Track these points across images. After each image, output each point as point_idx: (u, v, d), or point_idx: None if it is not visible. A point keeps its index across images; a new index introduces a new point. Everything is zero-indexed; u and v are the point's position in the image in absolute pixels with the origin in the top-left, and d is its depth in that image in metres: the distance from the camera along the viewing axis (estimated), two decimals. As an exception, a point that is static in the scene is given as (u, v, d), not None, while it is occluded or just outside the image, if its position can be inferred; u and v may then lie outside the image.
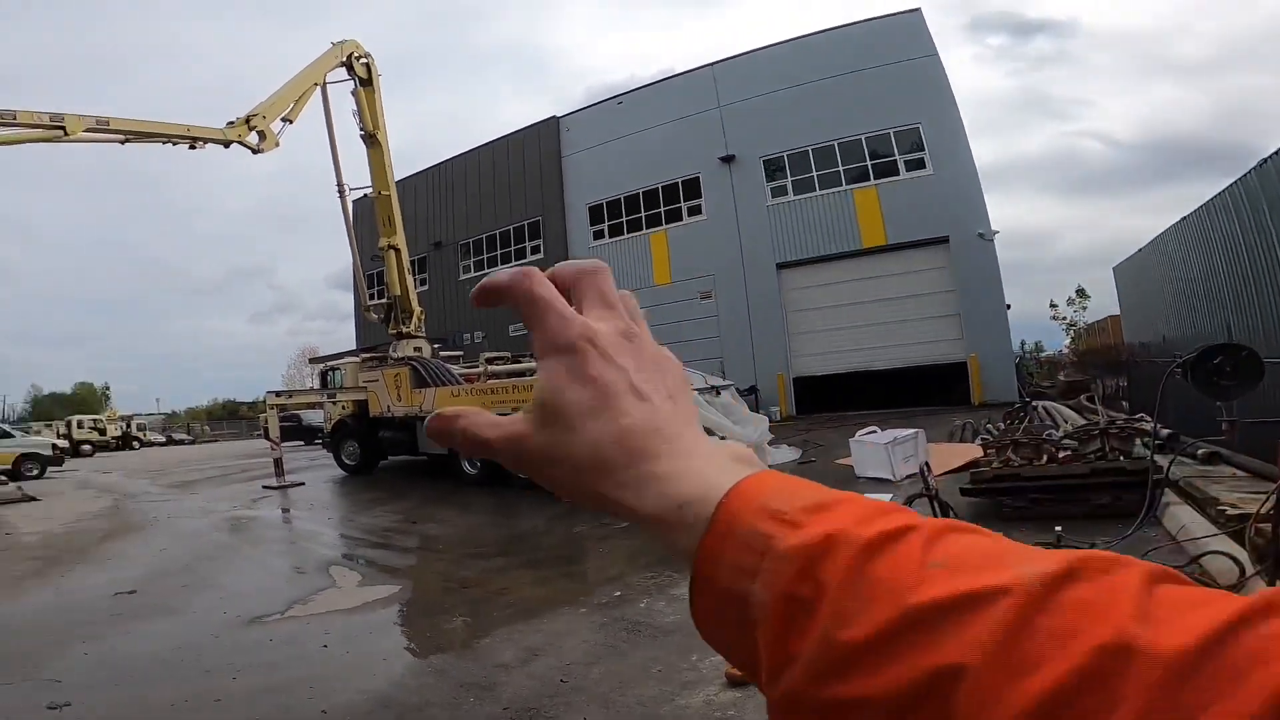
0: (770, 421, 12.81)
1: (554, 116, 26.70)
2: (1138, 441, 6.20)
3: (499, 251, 27.66)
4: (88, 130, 9.91)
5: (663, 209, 23.90)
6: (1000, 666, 0.26)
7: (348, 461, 14.48)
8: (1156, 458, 5.80)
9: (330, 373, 16.08)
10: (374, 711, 3.40)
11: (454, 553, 7.26)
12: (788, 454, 11.46)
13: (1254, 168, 9.18)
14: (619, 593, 5.21)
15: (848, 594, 0.30)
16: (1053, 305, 50.21)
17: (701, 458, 0.37)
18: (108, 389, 79.41)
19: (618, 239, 24.78)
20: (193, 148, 11.21)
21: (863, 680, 0.28)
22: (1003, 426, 10.70)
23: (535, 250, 26.55)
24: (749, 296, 21.94)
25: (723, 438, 9.41)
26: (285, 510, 10.85)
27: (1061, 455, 6.39)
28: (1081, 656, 0.25)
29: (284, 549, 8.16)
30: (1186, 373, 3.54)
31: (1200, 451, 6.85)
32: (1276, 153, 8.53)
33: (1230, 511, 4.93)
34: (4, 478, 14.48)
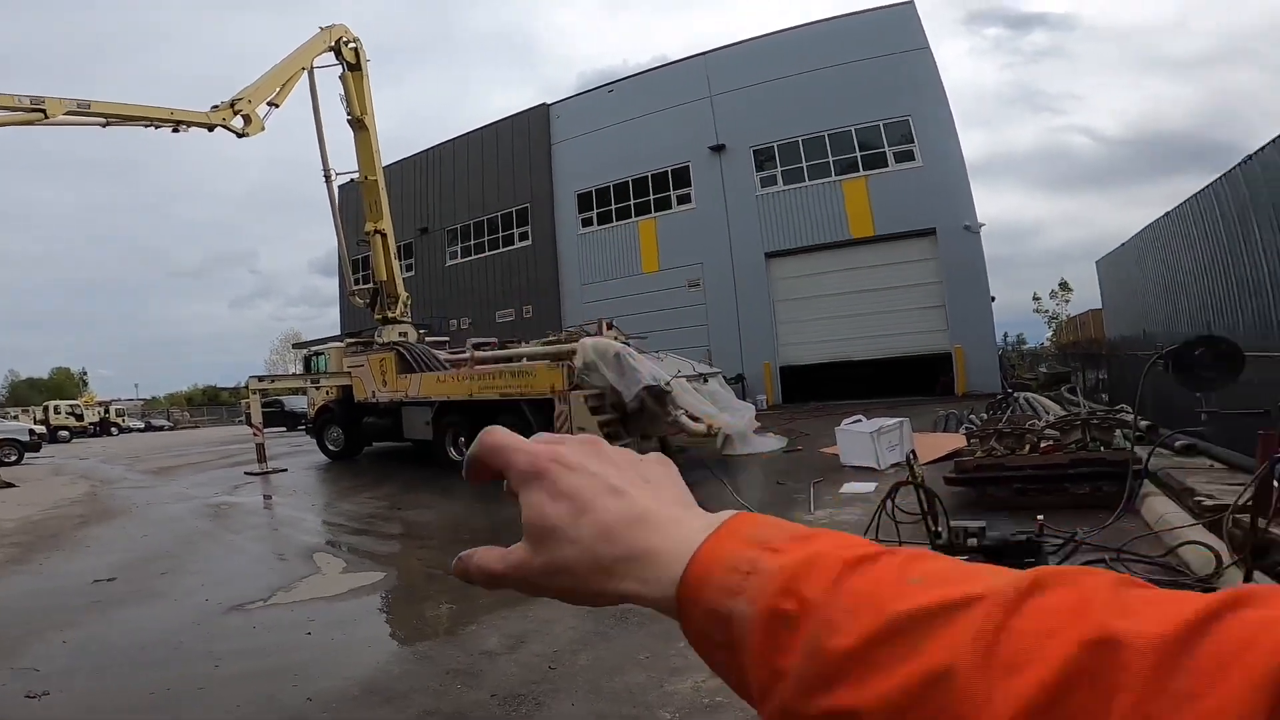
0: (756, 410, 12.85)
1: (544, 104, 26.54)
2: (1118, 432, 6.28)
3: (486, 238, 27.47)
4: (68, 113, 9.75)
5: (652, 197, 23.82)
6: (986, 667, 0.27)
7: (331, 447, 14.38)
8: (1136, 449, 5.88)
9: (313, 358, 15.92)
10: (360, 698, 3.38)
11: (438, 539, 7.23)
12: (773, 443, 11.51)
13: (1237, 165, 9.28)
14: (606, 580, 5.22)
15: (832, 606, 0.31)
16: (1035, 298, 50.78)
17: (688, 526, 0.39)
18: (84, 374, 78.21)
19: (606, 227, 24.69)
20: (176, 131, 11.14)
21: (854, 689, 0.29)
22: (986, 417, 10.82)
23: (523, 237, 26.40)
24: (737, 285, 21.98)
25: (709, 425, 9.44)
26: (267, 496, 10.74)
27: (1043, 445, 6.45)
28: (1067, 652, 0.25)
29: (266, 535, 8.08)
30: (1168, 365, 3.57)
31: (1178, 443, 6.95)
32: (1259, 151, 8.62)
33: (1207, 502, 5.00)
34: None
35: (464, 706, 3.24)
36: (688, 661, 3.58)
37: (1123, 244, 16.04)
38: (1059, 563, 4.44)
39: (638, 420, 9.74)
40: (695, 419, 9.36)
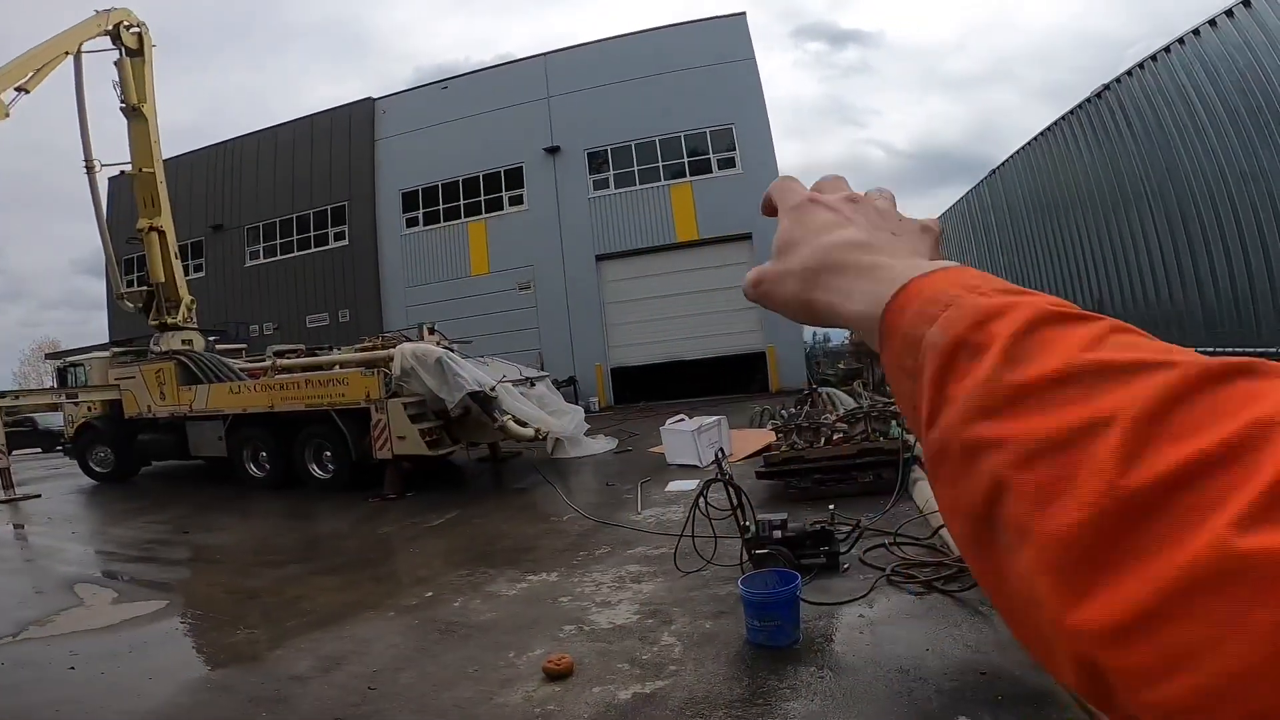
0: (588, 412, 13.06)
1: (370, 98, 24.83)
2: (893, 423, 7.08)
3: (295, 236, 25.14)
4: None
5: (483, 198, 23.24)
6: (1150, 427, 0.26)
7: (98, 469, 12.49)
8: (907, 436, 6.67)
9: (70, 369, 13.77)
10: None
11: (237, 562, 6.59)
12: (604, 444, 11.74)
13: (984, 179, 11.02)
14: (430, 593, 5.05)
15: (1020, 344, 0.31)
16: (836, 302, 56.52)
17: (907, 264, 0.41)
18: None
19: (433, 227, 23.67)
20: None
21: (1010, 421, 0.29)
22: (793, 411, 11.86)
23: (339, 237, 24.54)
24: (568, 288, 22.06)
25: (537, 429, 9.44)
26: (17, 526, 9.19)
27: (835, 437, 7.10)
28: (1233, 429, 0.24)
29: (16, 568, 6.99)
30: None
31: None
32: (1000, 166, 10.27)
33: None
34: None
35: (269, 737, 3.02)
36: (518, 672, 3.54)
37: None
38: (848, 550, 4.79)
39: (463, 427, 9.52)
40: (523, 424, 9.33)
